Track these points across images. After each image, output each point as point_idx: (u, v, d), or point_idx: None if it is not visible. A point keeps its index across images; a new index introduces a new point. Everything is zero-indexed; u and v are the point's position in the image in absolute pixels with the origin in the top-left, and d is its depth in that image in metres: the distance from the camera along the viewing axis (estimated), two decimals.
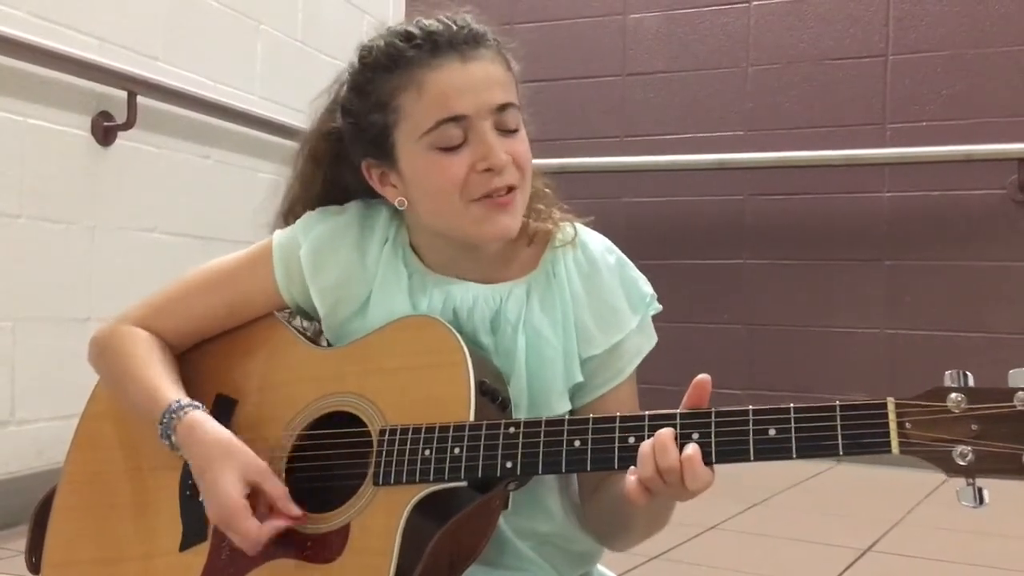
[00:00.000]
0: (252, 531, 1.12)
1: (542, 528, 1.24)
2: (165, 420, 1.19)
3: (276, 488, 1.15)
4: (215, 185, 3.47)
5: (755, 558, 2.44)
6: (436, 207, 1.20)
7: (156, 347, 1.29)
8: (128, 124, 3.04)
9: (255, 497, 1.15)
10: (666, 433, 1.02)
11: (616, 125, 4.36)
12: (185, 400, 1.21)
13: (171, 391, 1.22)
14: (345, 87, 1.24)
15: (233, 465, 1.15)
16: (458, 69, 1.16)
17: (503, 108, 1.17)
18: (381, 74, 1.18)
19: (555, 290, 1.24)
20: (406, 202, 1.22)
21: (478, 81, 1.16)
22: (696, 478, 1.01)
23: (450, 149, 1.16)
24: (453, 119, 1.15)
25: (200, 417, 1.19)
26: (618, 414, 1.07)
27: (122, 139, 3.07)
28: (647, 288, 1.27)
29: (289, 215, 1.33)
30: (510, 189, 1.18)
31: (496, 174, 1.16)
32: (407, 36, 1.18)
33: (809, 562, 2.53)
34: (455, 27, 1.18)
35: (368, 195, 1.28)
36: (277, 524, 1.13)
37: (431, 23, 1.18)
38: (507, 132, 1.18)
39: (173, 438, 1.19)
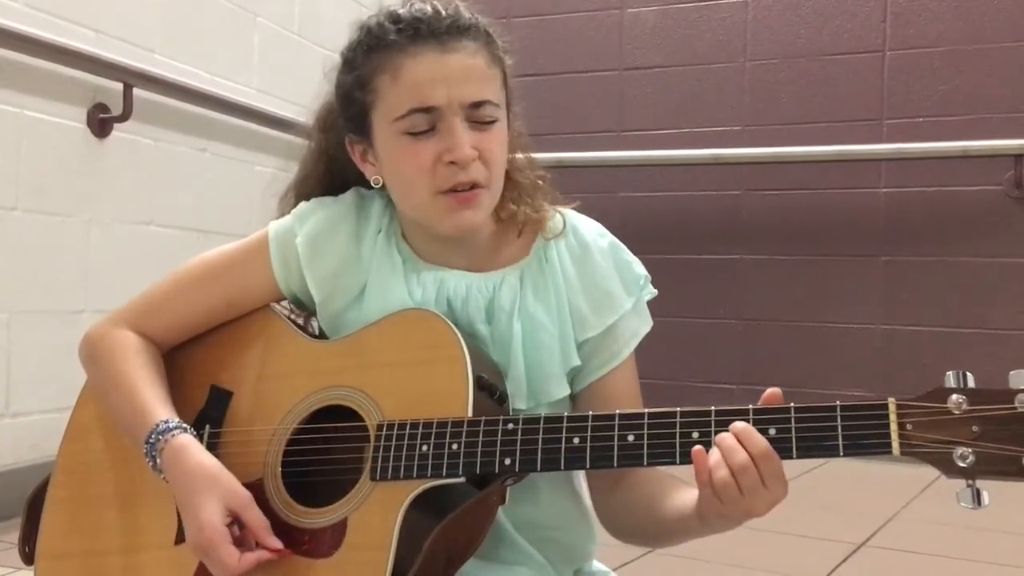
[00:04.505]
0: (232, 559, 1.09)
1: (539, 521, 1.24)
2: (151, 440, 1.17)
3: (257, 519, 1.12)
4: (211, 178, 3.46)
5: (750, 552, 2.44)
6: (404, 191, 1.21)
7: (147, 357, 1.26)
8: (124, 116, 3.03)
9: (236, 528, 1.12)
10: (728, 437, 1.01)
11: (612, 120, 4.35)
12: (174, 421, 1.18)
13: (159, 410, 1.20)
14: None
15: (216, 493, 1.12)
16: (434, 59, 1.15)
17: (477, 106, 1.16)
18: (366, 53, 1.18)
19: (548, 275, 1.24)
20: (381, 180, 1.23)
21: (454, 73, 1.15)
22: (776, 475, 1.00)
23: (418, 134, 1.16)
24: (423, 109, 1.15)
25: (187, 441, 1.17)
26: (617, 411, 1.07)
27: (118, 131, 3.06)
28: (641, 270, 1.27)
29: (289, 194, 1.34)
30: (474, 185, 1.17)
31: (460, 168, 1.16)
32: (395, 19, 1.17)
33: (804, 557, 2.53)
34: (442, 15, 1.17)
35: (364, 185, 1.29)
36: (260, 554, 1.11)
37: (420, 8, 1.17)
38: (481, 125, 1.17)
39: (158, 460, 1.17)
